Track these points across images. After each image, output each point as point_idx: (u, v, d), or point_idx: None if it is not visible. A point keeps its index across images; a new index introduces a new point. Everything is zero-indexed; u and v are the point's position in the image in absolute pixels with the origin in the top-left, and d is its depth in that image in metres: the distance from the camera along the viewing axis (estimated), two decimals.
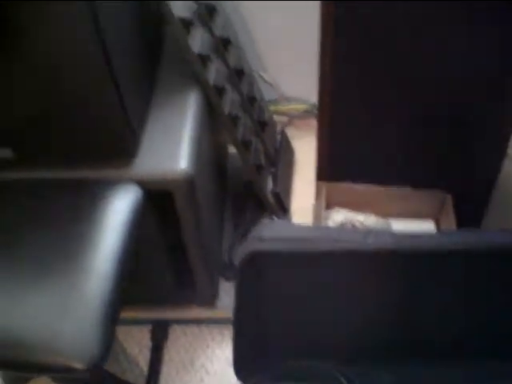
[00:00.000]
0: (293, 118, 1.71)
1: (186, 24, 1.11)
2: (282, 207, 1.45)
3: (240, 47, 1.41)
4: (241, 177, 1.47)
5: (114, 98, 0.95)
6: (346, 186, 1.38)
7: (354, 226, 1.33)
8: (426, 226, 1.43)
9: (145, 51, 1.13)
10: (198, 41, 1.15)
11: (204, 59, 1.17)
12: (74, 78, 0.92)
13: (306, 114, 1.71)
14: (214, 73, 1.20)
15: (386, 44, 1.11)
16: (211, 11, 1.24)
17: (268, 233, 0.90)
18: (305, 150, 1.62)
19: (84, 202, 0.96)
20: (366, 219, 1.36)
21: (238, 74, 1.33)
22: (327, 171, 1.36)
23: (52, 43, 0.88)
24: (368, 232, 0.88)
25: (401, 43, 1.10)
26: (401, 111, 1.22)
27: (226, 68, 1.28)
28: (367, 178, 1.35)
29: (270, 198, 1.43)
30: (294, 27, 1.54)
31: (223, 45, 1.28)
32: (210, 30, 1.24)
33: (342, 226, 1.30)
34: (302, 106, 1.72)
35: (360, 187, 1.38)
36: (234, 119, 1.28)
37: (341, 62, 1.15)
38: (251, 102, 1.40)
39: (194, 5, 1.17)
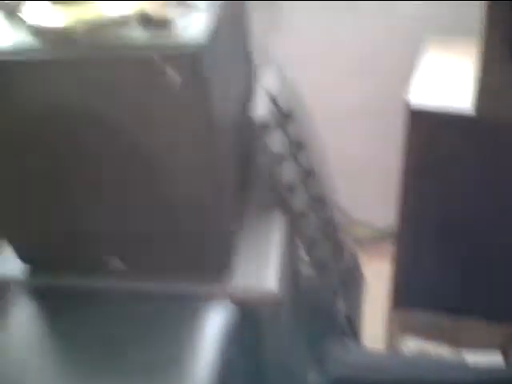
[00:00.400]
0: (361, 242, 1.79)
1: (279, 159, 1.25)
2: (353, 331, 1.48)
3: (321, 177, 1.53)
4: (313, 298, 1.52)
5: (221, 218, 1.06)
6: (418, 314, 1.41)
7: (427, 355, 1.35)
8: (495, 358, 1.43)
9: (240, 172, 1.27)
10: (287, 172, 1.28)
11: (291, 188, 1.29)
12: (188, 201, 1.03)
13: (374, 239, 1.78)
14: (299, 200, 1.32)
15: (470, 172, 1.19)
16: (299, 146, 1.38)
17: (350, 359, 0.95)
18: (373, 275, 1.68)
19: (183, 315, 1.04)
20: (438, 349, 1.38)
21: (320, 202, 1.44)
22: (401, 298, 1.40)
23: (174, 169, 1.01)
24: (445, 365, 0.92)
25: (485, 171, 1.18)
26: (477, 241, 1.28)
27: (309, 196, 1.40)
28: (440, 306, 1.38)
29: (342, 321, 1.47)
30: (366, 154, 1.65)
31: (307, 175, 1.41)
32: (297, 162, 1.37)
33: (420, 356, 1.31)
34: (370, 231, 1.79)
35: (432, 316, 1.40)
36: (314, 242, 1.37)
37: (422, 191, 1.23)
38: (329, 227, 1.49)
39: (286, 141, 1.32)
